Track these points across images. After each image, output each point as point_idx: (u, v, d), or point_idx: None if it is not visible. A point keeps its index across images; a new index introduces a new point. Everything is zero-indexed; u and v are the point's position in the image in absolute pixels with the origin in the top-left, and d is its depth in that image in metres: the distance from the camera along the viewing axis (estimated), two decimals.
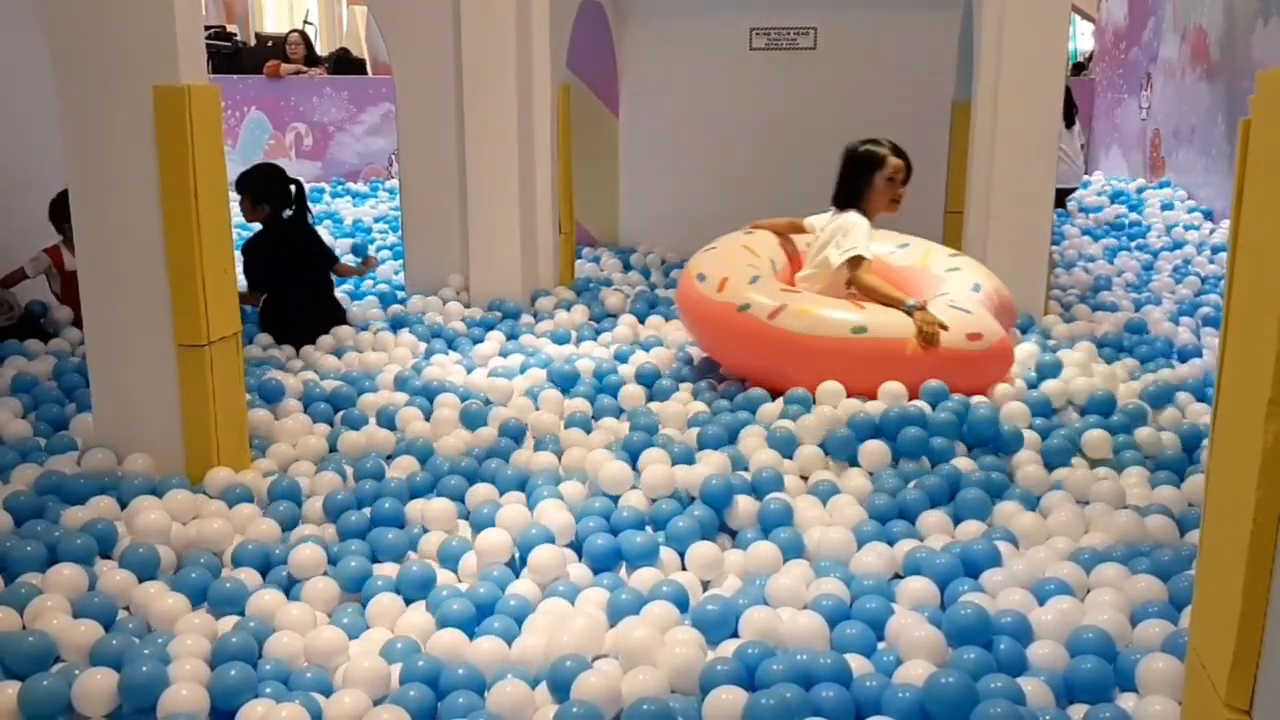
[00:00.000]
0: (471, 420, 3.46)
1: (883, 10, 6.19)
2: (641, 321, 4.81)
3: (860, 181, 3.79)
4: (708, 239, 4.15)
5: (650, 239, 6.60)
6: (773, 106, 6.40)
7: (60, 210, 4.46)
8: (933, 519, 2.75)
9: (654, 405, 3.56)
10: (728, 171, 6.50)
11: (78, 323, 4.54)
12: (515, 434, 3.33)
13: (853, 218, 3.75)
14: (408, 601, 2.45)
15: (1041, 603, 2.30)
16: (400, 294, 5.34)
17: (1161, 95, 7.84)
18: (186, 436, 3.02)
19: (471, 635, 2.25)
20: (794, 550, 2.60)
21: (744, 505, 2.76)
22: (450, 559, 2.62)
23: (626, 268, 6.18)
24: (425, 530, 2.77)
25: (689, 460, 2.98)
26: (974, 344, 3.43)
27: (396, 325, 4.69)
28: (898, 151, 3.83)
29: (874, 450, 3.06)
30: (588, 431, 3.35)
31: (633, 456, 3.03)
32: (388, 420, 3.51)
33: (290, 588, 2.50)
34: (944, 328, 3.39)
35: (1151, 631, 2.18)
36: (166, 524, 2.69)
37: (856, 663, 2.10)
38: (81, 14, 2.88)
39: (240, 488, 2.91)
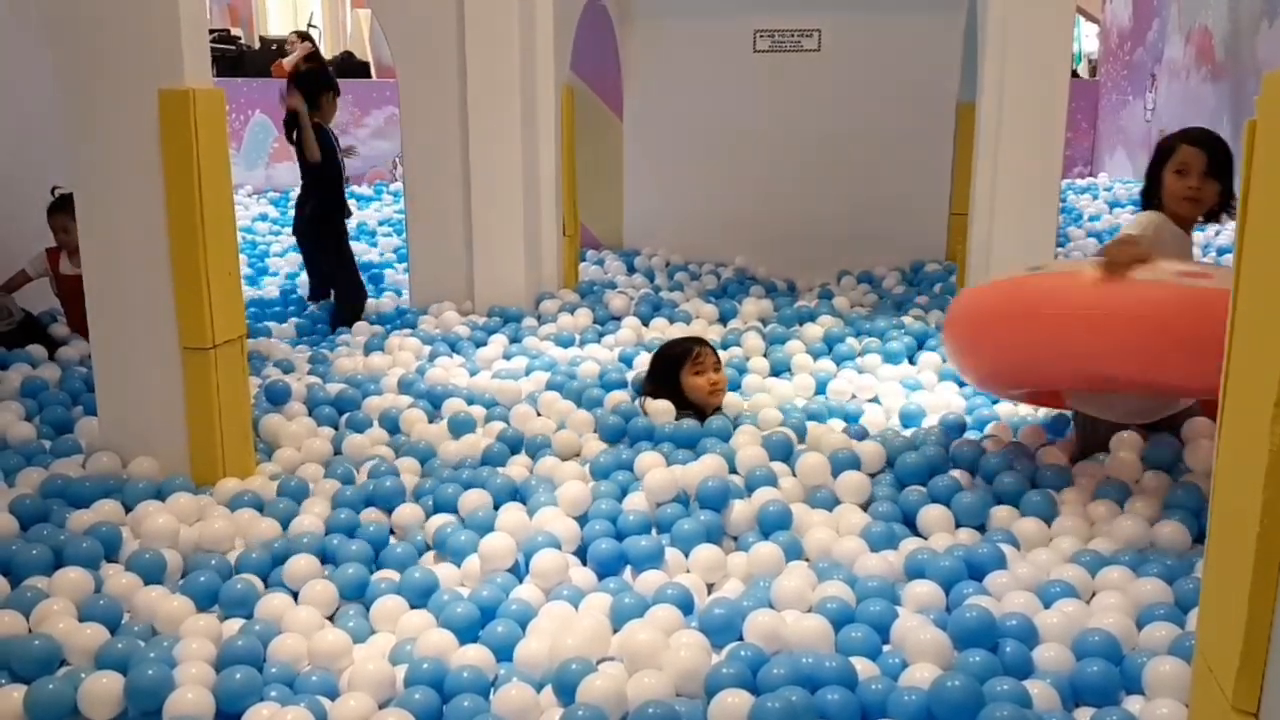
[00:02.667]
0: (461, 427, 3.41)
1: (887, 12, 6.18)
2: (646, 324, 4.81)
3: (1154, 179, 3.19)
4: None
5: (654, 241, 6.59)
6: (777, 108, 6.40)
7: (52, 214, 4.46)
8: (935, 520, 2.74)
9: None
10: (732, 173, 6.49)
11: (71, 325, 4.55)
12: (511, 440, 3.29)
13: (1142, 214, 3.19)
14: (412, 606, 2.44)
15: (1047, 605, 2.29)
16: (402, 294, 5.34)
17: (1166, 96, 7.83)
18: (191, 440, 3.03)
19: (475, 639, 2.24)
20: (794, 552, 2.60)
21: (740, 508, 2.75)
22: (452, 562, 2.62)
23: (631, 270, 6.17)
24: (425, 534, 2.76)
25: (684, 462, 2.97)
26: None
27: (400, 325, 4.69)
28: (1194, 138, 3.11)
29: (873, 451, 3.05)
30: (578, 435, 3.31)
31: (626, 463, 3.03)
32: (391, 423, 3.50)
33: (295, 593, 2.50)
34: (1143, 260, 2.76)
35: (1158, 634, 2.17)
36: (172, 527, 2.70)
37: (862, 666, 2.09)
38: (86, 18, 2.88)
39: (249, 494, 2.91)
